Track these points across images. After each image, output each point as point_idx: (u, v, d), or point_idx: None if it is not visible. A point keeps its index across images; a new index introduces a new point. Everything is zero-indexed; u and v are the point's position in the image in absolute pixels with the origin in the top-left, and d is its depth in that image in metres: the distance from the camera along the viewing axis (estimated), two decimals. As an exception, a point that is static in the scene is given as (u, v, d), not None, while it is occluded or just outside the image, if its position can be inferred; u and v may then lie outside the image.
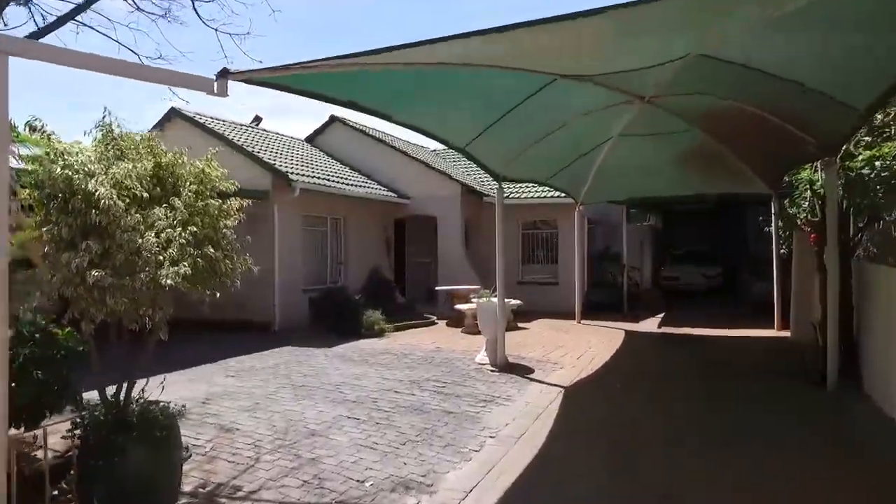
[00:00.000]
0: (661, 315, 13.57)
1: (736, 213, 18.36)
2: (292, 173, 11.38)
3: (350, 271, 13.62)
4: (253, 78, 3.51)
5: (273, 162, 11.66)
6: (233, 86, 3.39)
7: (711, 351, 9.46)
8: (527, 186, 15.43)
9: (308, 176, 11.90)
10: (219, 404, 6.16)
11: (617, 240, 17.32)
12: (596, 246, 16.60)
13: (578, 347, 9.45)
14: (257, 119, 17.24)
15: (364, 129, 15.94)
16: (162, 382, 4.39)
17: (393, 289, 14.24)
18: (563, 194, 13.45)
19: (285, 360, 8.48)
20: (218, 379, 7.33)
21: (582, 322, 12.35)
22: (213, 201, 3.49)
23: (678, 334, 10.91)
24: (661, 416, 5.84)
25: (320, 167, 13.63)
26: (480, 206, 15.09)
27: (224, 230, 3.51)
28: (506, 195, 15.36)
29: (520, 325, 11.85)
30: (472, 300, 8.59)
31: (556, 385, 6.97)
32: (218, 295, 3.78)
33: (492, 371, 7.68)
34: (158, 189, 3.36)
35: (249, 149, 11.90)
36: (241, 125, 14.24)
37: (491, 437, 5.19)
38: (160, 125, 12.96)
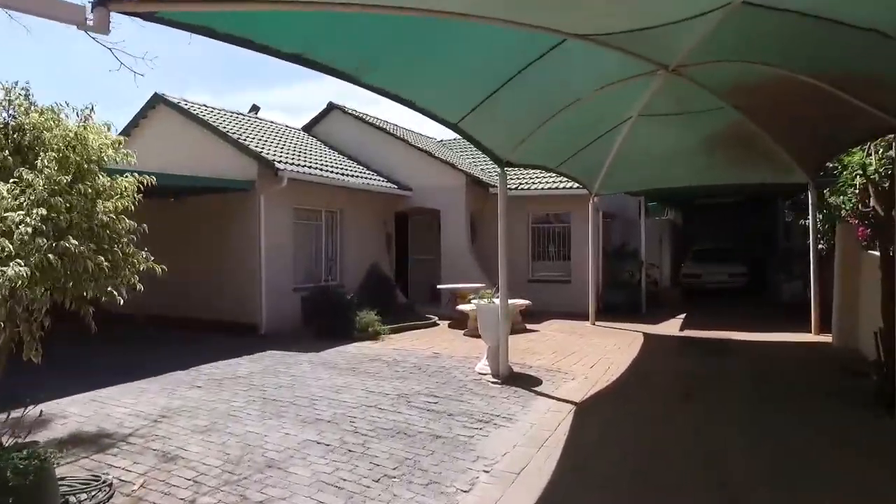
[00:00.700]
0: (683, 316, 12.50)
1: (763, 205, 17.18)
2: (279, 162, 10.50)
3: (347, 269, 12.74)
4: (141, 10, 2.58)
5: (260, 150, 10.79)
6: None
7: (744, 358, 8.41)
8: (536, 175, 14.45)
9: (297, 165, 11.01)
10: (172, 423, 5.30)
11: (634, 235, 16.27)
12: (612, 242, 15.56)
13: (593, 354, 8.47)
14: (255, 108, 16.47)
15: (363, 116, 15.04)
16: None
17: (393, 287, 13.33)
18: (575, 185, 12.44)
19: (264, 368, 7.61)
20: (183, 390, 6.47)
21: (596, 324, 11.34)
22: (102, 178, 2.58)
23: (703, 338, 9.85)
24: (694, 444, 4.85)
25: (315, 157, 12.75)
26: (487, 199, 14.10)
27: (104, 216, 2.60)
28: (514, 186, 14.42)
29: (528, 327, 10.88)
30: (472, 301, 7.67)
31: (566, 401, 6.01)
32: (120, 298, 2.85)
33: (493, 383, 6.73)
34: (13, 158, 2.46)
35: (235, 136, 11.04)
36: (232, 113, 13.41)
37: (485, 470, 4.25)
38: (143, 112, 12.20)
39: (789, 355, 8.60)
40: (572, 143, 8.02)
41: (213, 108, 12.85)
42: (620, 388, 6.58)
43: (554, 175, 13.87)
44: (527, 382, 6.76)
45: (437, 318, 11.79)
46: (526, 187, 13.75)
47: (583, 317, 11.71)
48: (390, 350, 8.82)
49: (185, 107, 11.65)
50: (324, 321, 10.23)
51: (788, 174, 9.32)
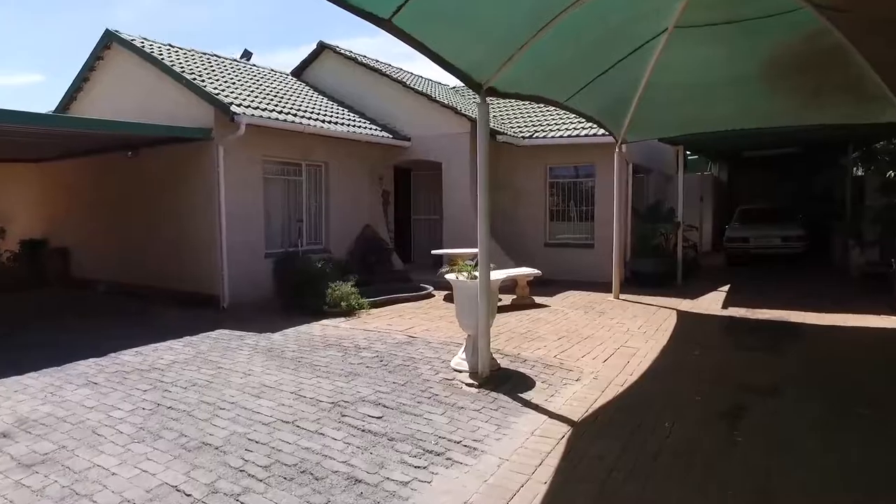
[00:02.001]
0: (726, 289, 10.49)
1: (826, 157, 14.64)
2: (236, 104, 8.82)
3: (334, 231, 11.15)
4: None
5: (218, 92, 9.11)
6: None
7: (812, 351, 6.50)
8: (554, 120, 12.39)
9: (260, 109, 9.29)
10: (1, 450, 3.85)
11: (671, 193, 14.13)
12: (645, 200, 13.48)
13: (610, 340, 6.69)
14: (247, 54, 14.80)
15: (356, 56, 13.11)
16: None
17: (388, 252, 11.71)
18: (600, 131, 10.40)
19: (194, 356, 6.15)
20: (69, 390, 5.05)
21: (621, 297, 9.49)
22: None
23: (755, 319, 7.89)
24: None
25: (296, 102, 11.01)
26: (497, 148, 12.16)
27: None
28: (528, 134, 12.39)
29: (538, 301, 9.13)
30: (446, 275, 5.91)
31: (560, 418, 4.31)
32: None
33: (468, 385, 5.07)
34: None
35: (192, 77, 9.37)
36: (204, 54, 11.71)
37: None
38: (97, 54, 10.64)
39: (878, 347, 6.62)
40: (585, 66, 6.02)
41: (178, 49, 11.18)
42: (639, 398, 4.82)
43: (576, 120, 11.82)
44: (513, 385, 5.08)
45: (433, 287, 10.15)
46: (542, 135, 11.73)
47: (607, 288, 9.85)
48: (360, 331, 7.24)
49: (139, 45, 10.01)
50: (293, 293, 8.71)
51: (879, 111, 7.09)
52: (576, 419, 4.29)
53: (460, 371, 5.40)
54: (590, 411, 4.46)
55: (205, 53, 11.69)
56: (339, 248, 11.15)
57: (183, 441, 3.93)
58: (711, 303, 9.14)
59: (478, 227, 5.31)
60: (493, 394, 4.85)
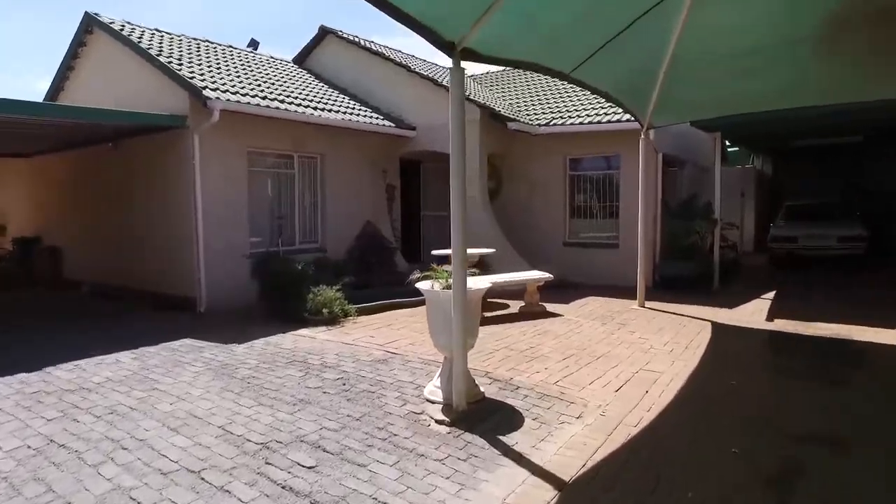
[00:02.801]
0: (771, 296, 9.13)
1: (891, 148, 12.96)
2: (211, 88, 7.98)
3: (331, 229, 10.25)
4: None
5: (193, 76, 8.29)
6: None
7: (887, 382, 5.22)
8: (574, 107, 11.22)
9: (239, 94, 8.43)
10: None
11: (707, 187, 12.79)
12: (678, 195, 12.15)
13: (627, 360, 5.55)
14: (254, 43, 14.11)
15: (358, 40, 12.19)
16: None
17: (390, 252, 10.76)
18: (625, 117, 9.21)
19: (133, 372, 5.30)
20: (-34, 414, 4.24)
21: (647, 305, 8.27)
22: None
23: (808, 336, 6.58)
24: None
25: (288, 89, 10.16)
26: (509, 138, 11.08)
27: None
28: (546, 122, 11.22)
29: (550, 308, 8.02)
30: (417, 283, 4.79)
31: (548, 475, 3.24)
32: None
33: (437, 423, 4.03)
34: None
35: (168, 60, 8.59)
36: (195, 40, 10.97)
37: None
38: (79, 40, 10.01)
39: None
40: (591, 28, 4.86)
41: (165, 33, 10.46)
42: (656, 448, 3.68)
43: (599, 104, 10.63)
44: (496, 423, 4.02)
45: (435, 292, 9.10)
46: (560, 122, 10.55)
47: (632, 294, 8.63)
48: (335, 344, 6.28)
49: (118, 28, 9.30)
50: (274, 298, 7.83)
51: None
52: (568, 478, 3.21)
53: (433, 402, 4.37)
54: (588, 465, 3.37)
55: (195, 39, 10.95)
56: (336, 248, 10.25)
57: (43, 501, 3.02)
58: (754, 313, 7.84)
59: (451, 222, 4.26)
60: (467, 436, 3.80)
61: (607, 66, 5.62)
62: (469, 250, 8.74)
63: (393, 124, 10.76)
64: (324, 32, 12.48)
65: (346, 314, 7.62)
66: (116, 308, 8.58)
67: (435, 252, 8.67)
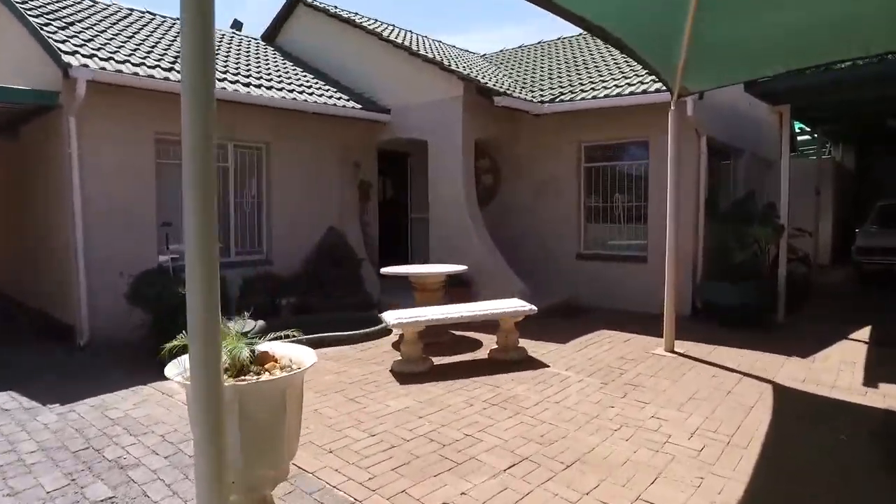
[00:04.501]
0: (865, 334, 6.44)
1: None
2: (83, 54, 6.10)
3: (278, 237, 8.27)
4: None
5: (65, 39, 6.43)
6: None
7: None
8: (591, 78, 8.83)
9: (128, 62, 6.48)
10: None
11: (770, 184, 10.11)
12: (731, 193, 9.53)
13: (619, 473, 3.19)
14: (237, 24, 12.52)
15: (326, 7, 10.13)
16: None
17: (356, 265, 8.64)
18: (652, 87, 6.84)
19: None
20: None
21: (676, 350, 5.79)
22: None
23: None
24: None
25: (226, 63, 8.25)
26: (509, 122, 8.79)
27: None
28: (552, 98, 8.74)
29: (534, 352, 5.72)
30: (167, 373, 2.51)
31: None
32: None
33: None
34: None
35: (37, 17, 6.79)
36: (129, 10, 9.22)
37: None
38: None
39: None
40: None
41: (92, -1, 8.74)
42: None
43: (619, 75, 8.21)
44: None
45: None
46: (568, 98, 8.14)
47: (658, 325, 6.12)
48: (177, 418, 4.21)
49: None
50: (158, 334, 5.86)
51: None
52: None
53: None
54: None
55: (130, 9, 9.20)
56: (288, 260, 8.25)
57: None
58: (841, 368, 5.24)
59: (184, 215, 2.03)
60: None
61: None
62: (433, 268, 6.53)
63: (359, 105, 8.65)
64: (294, 1, 10.53)
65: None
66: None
67: (388, 270, 6.49)
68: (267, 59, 9.44)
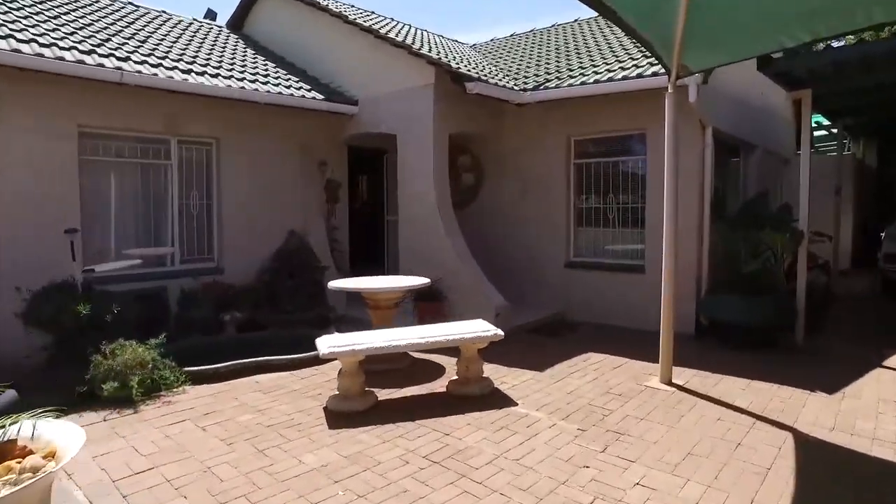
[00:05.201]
0: (901, 358, 5.44)
1: None
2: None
3: (230, 245, 7.39)
4: None
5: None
6: None
7: None
8: (581, 64, 7.91)
9: (25, 39, 5.59)
10: None
11: (785, 183, 9.18)
12: (741, 193, 8.57)
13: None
14: (210, 14, 11.75)
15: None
16: None
17: (318, 273, 7.73)
18: (649, 70, 5.91)
19: None
20: None
21: (674, 381, 4.82)
22: None
23: None
24: None
25: (171, 49, 7.39)
26: (492, 114, 7.87)
27: None
28: (535, 85, 7.50)
29: (502, 384, 4.80)
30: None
31: None
32: None
33: None
34: None
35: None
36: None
37: None
38: None
39: None
40: None
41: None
42: None
43: (613, 60, 7.28)
44: None
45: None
46: (554, 85, 7.17)
47: (654, 346, 5.14)
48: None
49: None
50: (65, 357, 4.98)
51: None
52: None
53: None
54: None
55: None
56: (242, 268, 7.37)
57: None
58: (879, 406, 4.25)
59: None
60: None
61: None
62: (386, 283, 5.60)
63: (321, 96, 7.74)
64: (260, -16, 9.67)
65: (164, 385, 4.68)
66: None
67: (335, 284, 5.55)
68: (224, 47, 8.57)
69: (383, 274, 8.11)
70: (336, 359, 4.24)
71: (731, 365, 5.25)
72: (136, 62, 6.11)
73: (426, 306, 6.70)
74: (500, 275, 7.99)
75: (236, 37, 9.67)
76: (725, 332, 5.99)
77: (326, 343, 4.27)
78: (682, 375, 4.96)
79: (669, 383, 4.76)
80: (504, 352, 5.51)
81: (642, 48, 7.48)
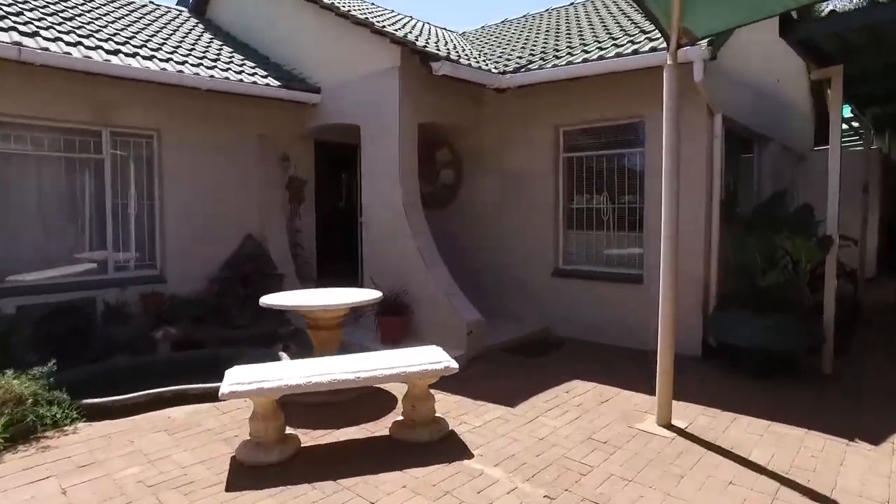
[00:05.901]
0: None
1: None
2: None
3: (173, 249, 6.54)
4: None
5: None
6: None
7: None
8: (569, 44, 7.02)
9: None
10: None
11: (803, 180, 8.23)
12: (754, 192, 7.62)
13: None
14: (184, 1, 10.95)
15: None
16: None
17: (274, 284, 6.85)
18: (647, 45, 4.97)
19: None
20: None
21: (675, 423, 3.89)
22: None
23: None
24: None
25: (107, 28, 6.55)
26: (472, 103, 6.97)
27: None
28: (516, 67, 6.25)
29: (460, 424, 3.90)
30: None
31: None
32: None
33: None
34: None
35: None
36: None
37: None
38: None
39: None
40: None
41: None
42: None
43: (606, 37, 6.35)
44: None
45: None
46: (537, 66, 6.24)
47: (651, 372, 4.21)
48: None
49: None
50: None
51: None
52: None
53: None
54: None
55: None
56: (191, 275, 6.53)
57: None
58: (936, 463, 3.30)
59: None
60: None
61: None
62: (327, 299, 4.70)
63: (277, 83, 6.87)
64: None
65: (46, 425, 3.82)
66: None
67: (266, 300, 4.64)
68: (176, 30, 7.73)
69: (356, 285, 7.22)
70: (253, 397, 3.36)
71: (746, 399, 4.31)
72: (47, 39, 5.27)
73: (389, 322, 5.81)
74: (480, 284, 7.10)
75: (196, 21, 8.84)
76: (737, 355, 5.04)
77: (231, 378, 3.39)
78: (684, 414, 4.03)
79: (669, 426, 3.83)
80: (473, 378, 4.61)
81: (640, 25, 6.56)
